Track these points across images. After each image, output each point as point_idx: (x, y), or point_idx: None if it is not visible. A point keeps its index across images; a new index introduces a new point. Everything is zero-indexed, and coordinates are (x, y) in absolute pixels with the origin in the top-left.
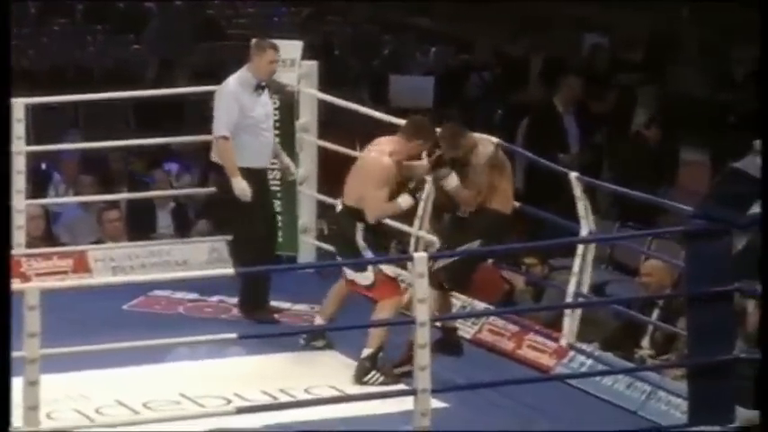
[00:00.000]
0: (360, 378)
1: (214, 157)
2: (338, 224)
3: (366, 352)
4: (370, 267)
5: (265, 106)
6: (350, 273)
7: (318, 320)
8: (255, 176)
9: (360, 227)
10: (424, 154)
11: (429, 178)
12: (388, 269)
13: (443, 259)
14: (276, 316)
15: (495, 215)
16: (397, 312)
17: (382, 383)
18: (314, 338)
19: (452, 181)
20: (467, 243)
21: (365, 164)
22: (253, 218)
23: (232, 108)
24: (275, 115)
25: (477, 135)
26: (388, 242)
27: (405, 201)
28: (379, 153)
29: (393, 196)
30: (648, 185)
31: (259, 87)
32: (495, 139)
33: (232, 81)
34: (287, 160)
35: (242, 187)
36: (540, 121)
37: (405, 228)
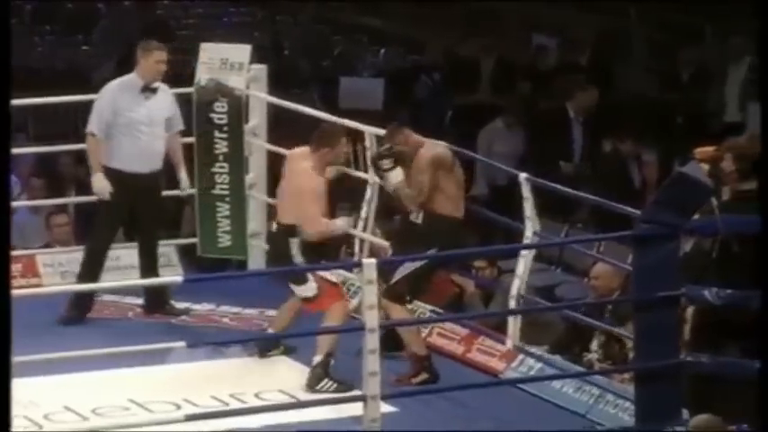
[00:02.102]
0: (313, 386)
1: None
2: (274, 243)
3: (316, 359)
4: (311, 278)
5: (153, 110)
6: (295, 290)
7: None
8: (128, 180)
9: (294, 242)
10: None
11: (371, 182)
12: (331, 275)
13: (400, 272)
14: (184, 317)
15: (446, 221)
16: (347, 317)
17: (335, 391)
18: (269, 349)
19: (396, 176)
20: (420, 252)
21: (297, 182)
22: (114, 221)
23: (104, 107)
24: (222, 119)
25: (425, 139)
26: (326, 254)
27: (342, 223)
28: (305, 170)
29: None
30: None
31: (147, 89)
32: (442, 143)
33: (114, 81)
34: (182, 174)
35: (101, 186)
36: (551, 125)
37: (350, 231)
